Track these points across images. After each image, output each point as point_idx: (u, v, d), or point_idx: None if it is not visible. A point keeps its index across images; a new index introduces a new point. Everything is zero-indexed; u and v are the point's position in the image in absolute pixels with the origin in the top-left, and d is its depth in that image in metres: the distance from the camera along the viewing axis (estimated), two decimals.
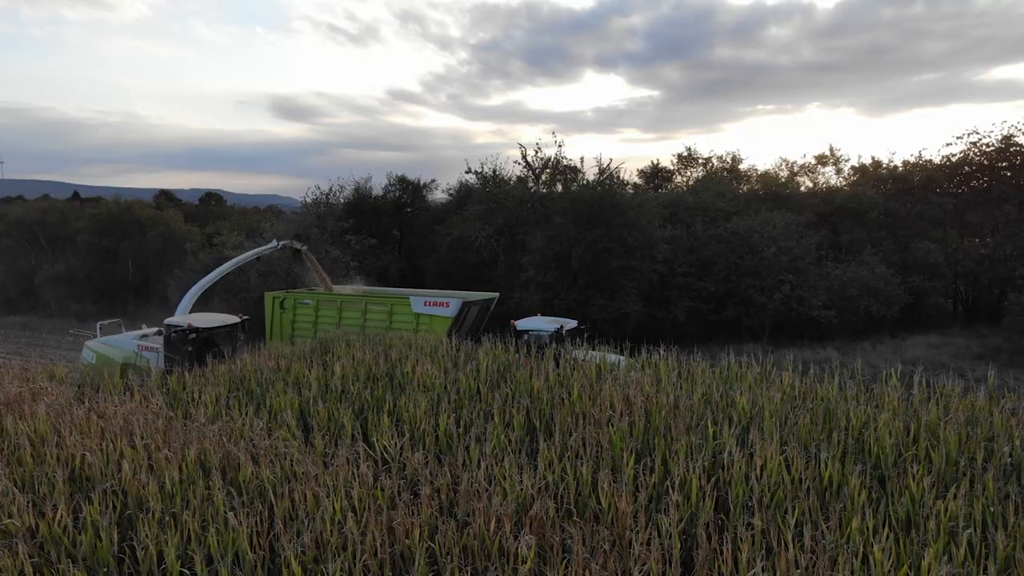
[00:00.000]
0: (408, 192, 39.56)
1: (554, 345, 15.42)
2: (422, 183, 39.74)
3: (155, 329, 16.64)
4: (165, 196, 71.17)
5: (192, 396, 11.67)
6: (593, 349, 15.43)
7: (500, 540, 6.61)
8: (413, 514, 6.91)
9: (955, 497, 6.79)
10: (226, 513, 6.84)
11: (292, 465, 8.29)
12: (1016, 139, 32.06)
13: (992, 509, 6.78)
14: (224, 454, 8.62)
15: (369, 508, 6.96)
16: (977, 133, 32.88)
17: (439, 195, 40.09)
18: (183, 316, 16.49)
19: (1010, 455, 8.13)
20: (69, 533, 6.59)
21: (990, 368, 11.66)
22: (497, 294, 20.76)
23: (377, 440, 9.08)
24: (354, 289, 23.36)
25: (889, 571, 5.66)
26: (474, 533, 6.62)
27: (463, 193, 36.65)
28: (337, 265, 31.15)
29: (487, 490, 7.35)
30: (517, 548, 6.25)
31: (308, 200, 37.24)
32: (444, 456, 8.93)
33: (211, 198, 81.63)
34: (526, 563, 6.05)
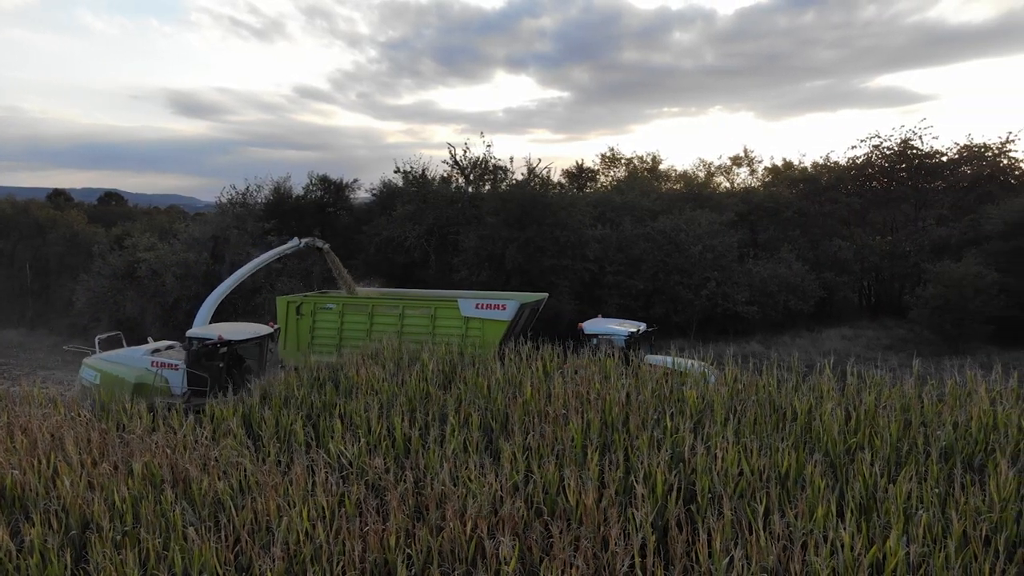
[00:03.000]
0: (330, 192, 38.78)
1: (630, 350, 14.14)
2: (345, 183, 39.03)
3: (166, 343, 14.94)
4: (63, 196, 66.90)
5: (123, 406, 11.00)
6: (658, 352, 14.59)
7: (476, 542, 6.53)
8: (385, 521, 6.73)
9: (907, 480, 7.15)
10: (185, 528, 6.48)
11: (247, 475, 7.94)
12: (912, 143, 34.19)
13: (938, 490, 7.18)
14: (171, 466, 8.18)
15: (340, 516, 6.74)
16: (879, 137, 34.91)
17: (362, 195, 39.48)
18: (206, 327, 14.52)
19: (943, 439, 8.62)
20: (12, 558, 6.07)
21: (914, 358, 12.35)
22: (546, 295, 19.19)
23: (334, 446, 8.80)
24: (376, 292, 21.44)
25: (860, 554, 5.89)
26: (450, 537, 6.51)
27: (387, 193, 36.21)
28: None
29: (455, 493, 7.24)
30: (497, 549, 6.18)
31: (223, 200, 35.91)
32: (404, 460, 8.76)
33: (111, 198, 77.35)
34: (509, 564, 5.99)
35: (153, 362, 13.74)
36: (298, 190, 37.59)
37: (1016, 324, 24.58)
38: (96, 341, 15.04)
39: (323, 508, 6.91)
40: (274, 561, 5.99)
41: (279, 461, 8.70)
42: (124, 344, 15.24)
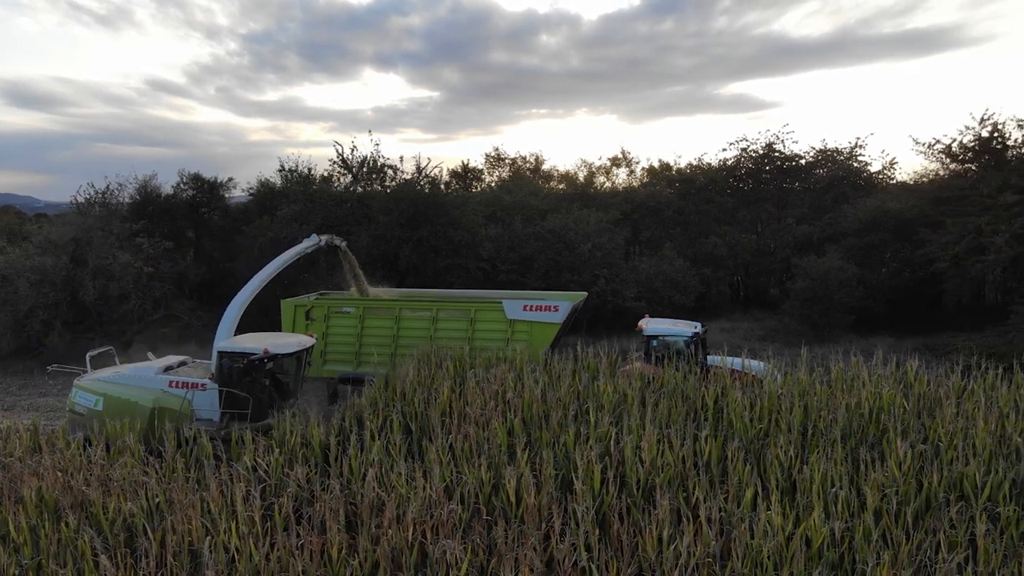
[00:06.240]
0: (203, 191, 36.64)
1: (692, 352, 13.38)
2: (219, 182, 37.01)
3: (177, 359, 12.85)
4: None
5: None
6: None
7: (419, 548, 6.36)
8: (320, 533, 6.42)
9: (818, 461, 7.63)
10: (96, 557, 5.90)
11: (155, 494, 7.34)
12: (776, 146, 36.71)
13: (844, 467, 7.72)
14: (66, 490, 7.43)
15: (270, 531, 6.36)
16: (747, 141, 37.21)
17: (237, 195, 37.59)
18: (237, 338, 12.30)
19: (841, 421, 9.28)
20: None
21: (803, 348, 13.21)
22: (585, 294, 18.16)
23: (248, 458, 8.31)
24: (390, 292, 19.28)
25: (791, 533, 6.21)
26: (391, 544, 6.30)
27: (265, 192, 34.73)
28: (128, 271, 28.02)
29: (390, 499, 7.03)
30: (444, 553, 6.05)
31: (80, 200, 33.15)
32: (327, 468, 8.41)
33: None
34: (461, 567, 5.87)
35: (171, 382, 11.83)
36: (166, 189, 35.24)
37: (871, 314, 26.95)
38: (87, 358, 12.78)
39: (251, 523, 6.50)
40: None
41: (187, 478, 8.12)
42: (117, 360, 13.17)
